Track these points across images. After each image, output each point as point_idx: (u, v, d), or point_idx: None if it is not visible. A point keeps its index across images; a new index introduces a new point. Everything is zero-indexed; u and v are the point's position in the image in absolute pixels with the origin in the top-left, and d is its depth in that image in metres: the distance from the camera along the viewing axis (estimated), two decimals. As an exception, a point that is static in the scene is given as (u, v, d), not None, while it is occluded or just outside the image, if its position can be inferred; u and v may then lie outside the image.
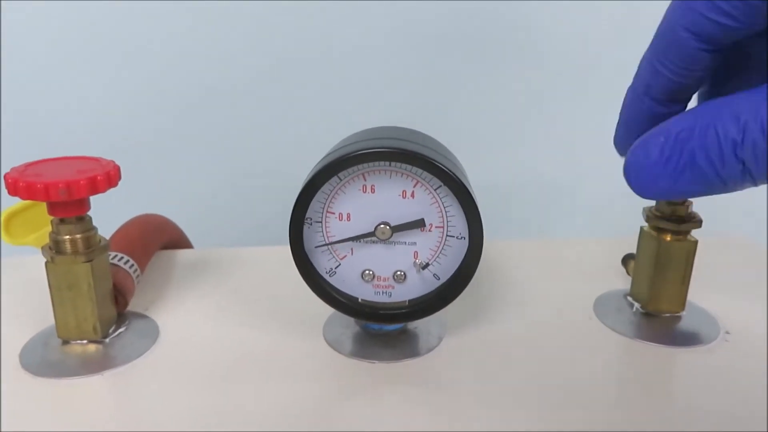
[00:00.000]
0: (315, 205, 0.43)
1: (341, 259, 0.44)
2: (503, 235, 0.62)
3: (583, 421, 0.40)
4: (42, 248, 0.45)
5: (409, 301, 0.45)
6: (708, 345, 0.47)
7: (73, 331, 0.46)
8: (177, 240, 0.65)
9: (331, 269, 0.45)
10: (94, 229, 0.45)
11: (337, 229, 0.44)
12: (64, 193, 0.40)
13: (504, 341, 0.48)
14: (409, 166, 0.41)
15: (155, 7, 0.79)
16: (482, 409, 0.41)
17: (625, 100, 0.36)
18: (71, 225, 0.44)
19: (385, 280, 0.45)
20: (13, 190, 0.41)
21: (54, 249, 0.44)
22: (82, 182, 0.41)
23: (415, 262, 0.44)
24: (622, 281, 0.56)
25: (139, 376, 0.44)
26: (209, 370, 0.44)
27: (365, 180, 0.42)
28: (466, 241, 0.43)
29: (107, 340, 0.47)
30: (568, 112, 0.85)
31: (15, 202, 0.46)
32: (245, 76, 0.83)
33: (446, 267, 0.44)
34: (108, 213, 0.49)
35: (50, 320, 0.46)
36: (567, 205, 0.91)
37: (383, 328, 0.48)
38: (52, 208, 0.43)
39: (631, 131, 0.36)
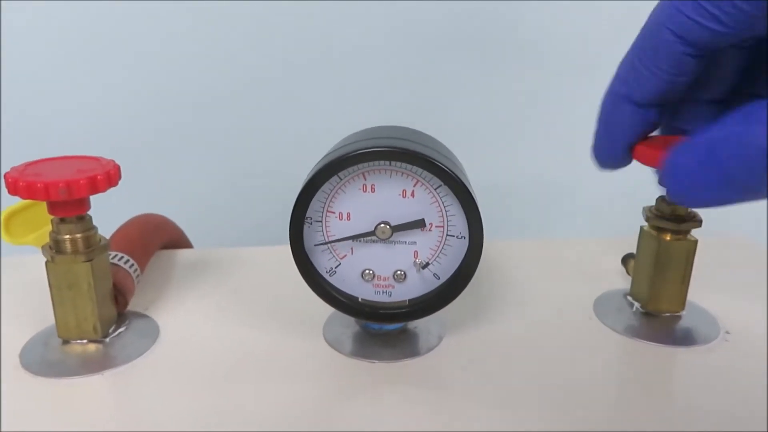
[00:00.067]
0: (315, 205, 0.43)
1: (341, 258, 0.44)
2: (503, 235, 0.62)
3: (583, 421, 0.40)
4: (42, 248, 0.45)
5: (409, 300, 0.45)
6: (708, 345, 0.47)
7: (73, 330, 0.46)
8: (177, 240, 0.65)
9: (331, 269, 0.45)
10: (94, 228, 0.45)
11: (337, 228, 0.44)
12: (64, 193, 0.40)
13: (504, 341, 0.48)
14: (409, 166, 0.41)
15: (155, 7, 0.79)
16: (482, 409, 0.41)
17: (603, 107, 0.36)
18: (71, 224, 0.44)
19: (385, 279, 0.45)
20: (13, 189, 0.41)
21: (54, 248, 0.44)
22: (82, 182, 0.41)
23: (415, 262, 0.44)
24: (622, 281, 0.56)
25: (140, 375, 0.44)
26: (209, 370, 0.44)
27: (365, 179, 0.42)
28: (466, 241, 0.43)
29: (107, 339, 0.47)
30: (568, 111, 0.85)
31: (15, 202, 0.46)
32: (245, 76, 0.83)
33: (446, 266, 0.44)
34: (108, 213, 0.49)
35: (50, 320, 0.46)
36: (567, 205, 0.91)
37: (383, 327, 0.48)
38: (53, 207, 0.43)
39: (611, 142, 0.36)
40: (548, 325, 0.50)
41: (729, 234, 0.66)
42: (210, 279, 0.58)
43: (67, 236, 0.44)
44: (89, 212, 0.45)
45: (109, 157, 0.45)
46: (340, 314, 0.46)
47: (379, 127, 0.46)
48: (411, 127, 0.47)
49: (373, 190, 0.43)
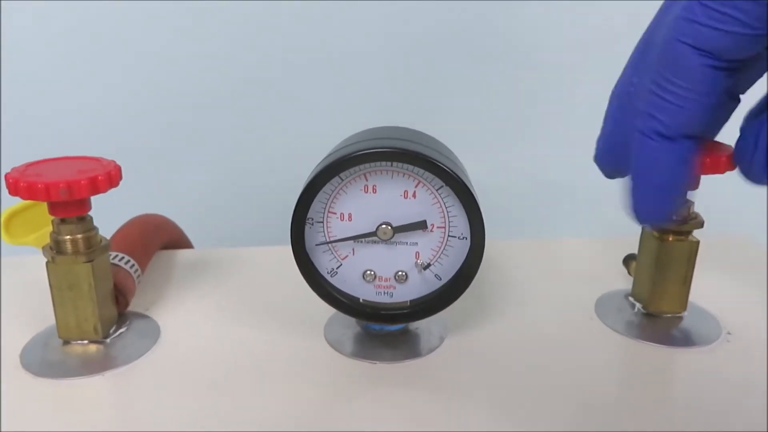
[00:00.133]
0: (316, 205, 0.43)
1: (342, 259, 0.44)
2: (504, 235, 0.62)
3: (584, 421, 0.40)
4: (43, 248, 0.45)
5: (411, 301, 0.45)
6: (709, 345, 0.47)
7: (73, 331, 0.45)
8: (177, 240, 0.65)
9: (333, 269, 0.45)
10: (94, 229, 0.45)
11: (338, 229, 0.43)
12: (65, 193, 0.40)
13: (505, 341, 0.48)
14: (410, 167, 0.41)
15: (155, 7, 0.79)
16: (484, 409, 0.41)
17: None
18: (72, 225, 0.43)
19: (386, 280, 0.45)
20: (14, 190, 0.41)
21: (55, 249, 0.44)
22: (83, 182, 0.41)
23: (416, 263, 0.44)
24: (623, 281, 0.56)
25: (140, 376, 0.44)
26: (210, 371, 0.44)
27: (367, 180, 0.42)
28: (468, 242, 0.43)
29: (108, 340, 0.47)
30: (568, 111, 0.85)
31: (15, 202, 0.46)
32: (245, 76, 0.83)
33: (448, 267, 0.44)
34: (108, 213, 0.49)
35: (51, 320, 0.46)
36: (568, 206, 0.91)
37: (384, 328, 0.48)
38: (53, 208, 0.43)
39: (617, 148, 0.32)
40: (550, 326, 0.50)
41: (729, 234, 0.66)
42: (210, 279, 0.58)
43: (68, 237, 0.43)
44: (90, 213, 0.44)
45: (109, 158, 0.45)
46: (341, 315, 0.46)
47: (381, 128, 0.46)
48: (411, 127, 0.47)
49: (374, 190, 0.43)
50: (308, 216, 0.43)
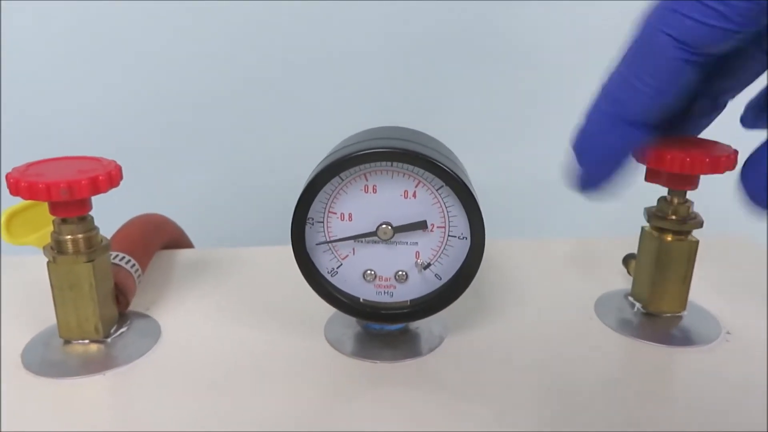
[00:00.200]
0: (317, 205, 0.43)
1: (343, 259, 0.44)
2: (504, 235, 0.62)
3: (584, 421, 0.40)
4: (43, 248, 0.45)
5: (411, 301, 0.45)
6: (709, 345, 0.47)
7: (74, 330, 0.46)
8: (178, 240, 0.65)
9: (333, 269, 0.45)
10: (95, 228, 0.45)
11: (338, 229, 0.44)
12: (65, 193, 0.40)
13: (505, 341, 0.48)
14: (410, 166, 0.41)
15: (155, 7, 0.79)
16: (484, 409, 0.41)
17: (589, 123, 0.33)
18: (73, 225, 0.44)
19: (386, 280, 0.45)
20: (15, 190, 0.41)
21: (56, 249, 0.44)
22: (83, 182, 0.41)
23: (416, 262, 0.44)
24: (622, 281, 0.56)
25: (141, 376, 0.44)
26: (211, 370, 0.44)
27: (367, 180, 0.42)
28: (468, 241, 0.43)
29: (109, 339, 0.47)
30: (568, 111, 0.85)
31: (15, 202, 0.46)
32: (246, 76, 0.83)
33: (448, 267, 0.44)
34: (109, 213, 0.49)
35: (51, 320, 0.46)
36: (568, 205, 0.91)
37: (385, 328, 0.48)
38: (54, 207, 0.43)
39: (603, 166, 0.33)
40: (549, 325, 0.50)
41: (729, 234, 0.66)
42: (211, 279, 0.58)
43: (69, 237, 0.44)
44: (90, 213, 0.45)
45: (109, 158, 0.45)
46: (341, 314, 0.46)
47: (381, 128, 0.46)
48: (411, 127, 0.47)
49: (374, 190, 0.43)
50: (309, 216, 0.43)
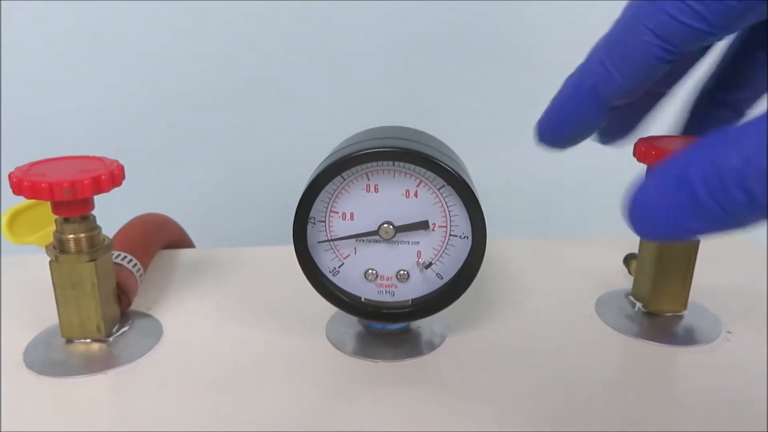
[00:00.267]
0: (319, 205, 0.43)
1: (344, 258, 0.45)
2: (505, 234, 0.62)
3: (585, 421, 0.40)
4: (46, 247, 0.45)
5: (412, 300, 0.45)
6: (710, 344, 0.48)
7: (76, 330, 0.46)
8: (179, 239, 0.65)
9: (335, 268, 0.45)
10: (98, 228, 0.45)
11: (340, 228, 0.44)
12: (68, 193, 0.40)
13: (506, 340, 0.48)
14: (412, 166, 0.41)
15: (155, 7, 0.79)
16: (485, 408, 0.41)
17: (563, 92, 0.35)
18: (75, 224, 0.44)
19: (388, 279, 0.45)
20: (18, 189, 0.41)
21: (58, 248, 0.44)
22: (86, 181, 0.41)
23: (418, 262, 0.44)
24: (623, 280, 0.56)
25: (143, 375, 0.44)
26: (213, 370, 0.44)
27: (369, 179, 0.42)
28: (470, 241, 0.43)
29: (111, 339, 0.47)
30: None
31: (17, 202, 0.46)
32: (246, 76, 0.83)
33: (449, 266, 0.44)
34: (110, 212, 0.49)
35: (53, 319, 0.46)
36: (568, 205, 0.92)
37: (386, 327, 0.48)
38: (56, 207, 0.43)
39: (560, 126, 0.35)
40: (550, 325, 0.50)
41: (729, 234, 0.66)
42: (213, 279, 0.58)
43: (71, 236, 0.44)
44: (92, 212, 0.45)
45: (111, 157, 0.45)
46: (342, 314, 0.46)
47: (383, 128, 0.46)
48: (412, 127, 0.47)
49: (376, 190, 0.43)
50: (310, 215, 0.43)
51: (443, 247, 0.44)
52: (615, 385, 0.44)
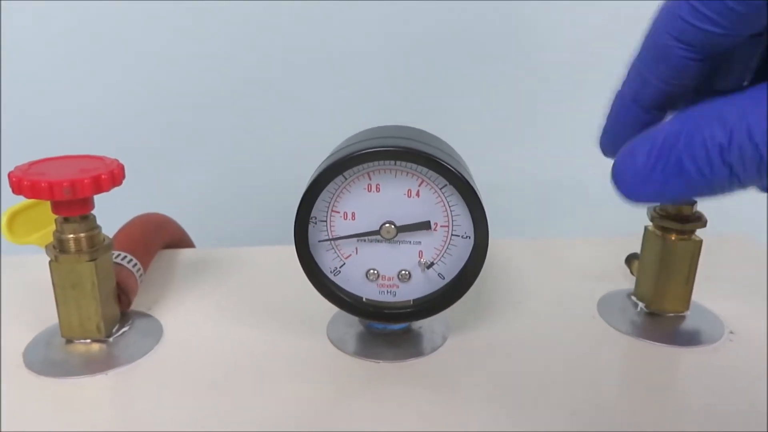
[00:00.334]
0: (320, 204, 0.43)
1: (346, 258, 0.44)
2: (504, 234, 0.62)
3: (587, 421, 0.40)
4: (46, 247, 0.44)
5: (414, 300, 0.45)
6: (712, 345, 0.47)
7: (76, 330, 0.45)
8: (179, 239, 0.65)
9: (336, 268, 0.45)
10: (98, 228, 0.45)
11: (342, 228, 0.43)
12: (68, 192, 0.40)
13: (508, 341, 0.48)
14: (414, 165, 0.41)
15: (155, 7, 0.79)
16: (486, 408, 0.41)
17: (612, 105, 0.35)
18: (75, 224, 0.43)
19: (389, 279, 0.45)
20: (18, 188, 0.41)
21: (58, 248, 0.44)
22: (86, 181, 0.41)
23: (419, 262, 0.44)
24: (625, 281, 0.56)
25: (143, 375, 0.44)
26: (213, 370, 0.44)
27: (370, 179, 0.42)
28: (471, 241, 0.43)
29: (111, 339, 0.46)
30: (568, 111, 0.86)
31: (16, 201, 0.46)
32: (246, 76, 0.83)
33: (451, 266, 0.44)
34: (110, 212, 0.49)
35: (53, 319, 0.46)
36: (569, 205, 0.92)
37: (387, 327, 0.48)
38: (56, 206, 0.43)
39: (617, 137, 0.35)
40: (552, 325, 0.50)
41: (729, 234, 0.66)
42: (213, 279, 0.57)
43: (71, 236, 0.43)
44: (92, 212, 0.44)
45: (111, 157, 0.45)
46: (344, 314, 0.46)
47: (384, 127, 0.46)
48: (413, 127, 0.47)
49: (378, 189, 0.43)
50: (312, 215, 0.43)
51: (445, 247, 0.44)
52: (617, 386, 0.44)
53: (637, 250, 0.51)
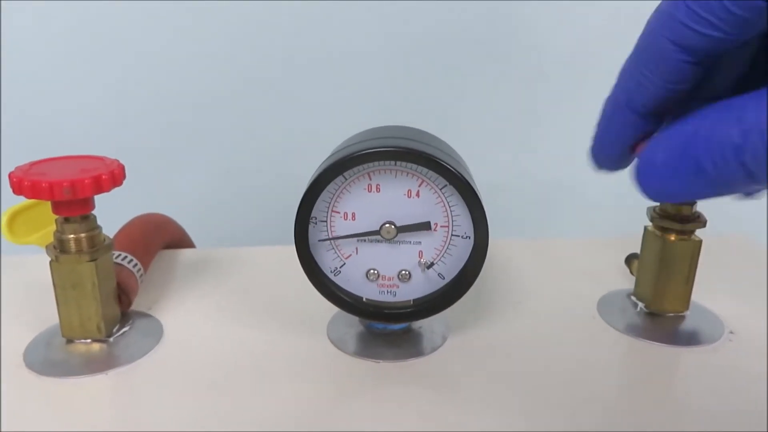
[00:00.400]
0: (320, 204, 0.43)
1: (346, 258, 0.44)
2: (504, 234, 0.62)
3: (587, 421, 0.40)
4: (46, 247, 0.44)
5: (414, 300, 0.45)
6: (712, 345, 0.47)
7: (77, 330, 0.45)
8: (179, 239, 0.65)
9: (336, 268, 0.45)
10: (98, 228, 0.45)
11: (342, 228, 0.44)
12: (68, 192, 0.40)
13: (508, 341, 0.48)
14: (414, 166, 0.41)
15: (155, 7, 0.79)
16: (486, 409, 0.41)
17: (604, 111, 0.35)
18: (76, 224, 0.43)
19: (389, 279, 0.45)
20: (18, 189, 0.41)
21: (58, 248, 0.44)
22: (86, 181, 0.41)
23: (419, 262, 0.44)
24: (625, 281, 0.56)
25: (144, 375, 0.44)
26: (213, 370, 0.44)
27: (370, 179, 0.42)
28: (471, 241, 0.43)
29: (111, 339, 0.47)
30: (568, 111, 0.86)
31: (17, 201, 0.46)
32: (246, 76, 0.83)
33: (451, 266, 0.44)
34: (110, 212, 0.49)
35: (53, 319, 0.46)
36: (569, 205, 0.92)
37: (387, 327, 0.48)
38: (57, 207, 0.43)
39: (611, 145, 0.35)
40: (552, 325, 0.50)
41: (729, 234, 0.66)
42: (213, 279, 0.57)
43: (72, 236, 0.43)
44: (93, 212, 0.44)
45: (111, 157, 0.45)
46: (344, 314, 0.46)
47: (384, 127, 0.46)
48: (413, 126, 0.47)
49: (378, 190, 0.43)
50: (312, 215, 0.43)
51: (445, 247, 0.44)
52: (617, 386, 0.44)
53: (637, 250, 0.51)
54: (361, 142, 0.42)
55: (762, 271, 0.59)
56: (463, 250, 0.44)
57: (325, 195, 0.43)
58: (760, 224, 0.79)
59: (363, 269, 0.45)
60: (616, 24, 0.81)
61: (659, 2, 0.31)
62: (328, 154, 0.45)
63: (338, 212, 0.43)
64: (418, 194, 0.42)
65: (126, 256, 0.51)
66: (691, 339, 0.48)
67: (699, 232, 0.48)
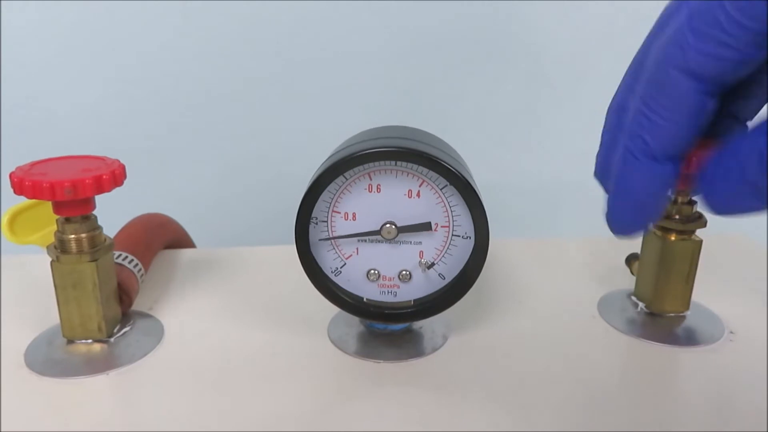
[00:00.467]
0: (321, 205, 0.43)
1: (346, 258, 0.44)
2: (505, 234, 0.62)
3: (587, 420, 0.40)
4: (47, 247, 0.45)
5: (415, 300, 0.45)
6: (712, 345, 0.47)
7: (77, 330, 0.45)
8: (180, 239, 0.65)
9: (337, 268, 0.45)
10: (99, 228, 0.45)
11: (342, 228, 0.44)
12: (69, 193, 0.40)
13: (508, 341, 0.48)
14: (415, 166, 0.41)
15: (155, 7, 0.79)
16: (487, 408, 0.41)
17: (608, 119, 0.33)
18: (76, 224, 0.43)
19: (390, 279, 0.45)
20: (19, 189, 0.41)
21: (59, 248, 0.44)
22: (87, 181, 0.41)
23: (420, 262, 0.44)
24: (625, 281, 0.56)
25: (144, 375, 0.44)
26: (215, 370, 0.44)
27: (371, 179, 0.42)
28: (472, 241, 0.43)
29: (112, 339, 0.47)
30: (569, 111, 0.86)
31: (17, 201, 0.46)
32: (246, 75, 0.83)
33: (452, 266, 0.44)
34: (110, 212, 0.49)
35: (54, 319, 0.46)
36: (569, 205, 0.91)
37: (388, 327, 0.48)
38: (58, 207, 0.43)
39: (635, 206, 0.32)
40: (552, 325, 0.50)
41: (729, 234, 0.66)
42: (213, 279, 0.58)
43: (72, 236, 0.43)
44: (94, 212, 0.44)
45: (112, 157, 0.45)
46: (344, 314, 0.46)
47: (385, 127, 0.46)
48: (414, 127, 0.47)
49: (378, 190, 0.43)
50: (312, 215, 0.43)
51: (446, 247, 0.44)
52: (617, 386, 0.44)
53: (637, 250, 0.51)
54: (361, 142, 0.42)
55: (762, 271, 0.59)
56: (463, 250, 0.44)
57: (325, 195, 0.43)
58: (760, 224, 0.79)
59: (364, 269, 0.45)
60: (616, 24, 0.81)
61: (664, 0, 0.31)
62: (328, 154, 0.45)
63: (339, 212, 0.43)
64: (418, 194, 0.42)
65: (127, 256, 0.51)
66: (691, 339, 0.48)
67: (699, 232, 0.48)
